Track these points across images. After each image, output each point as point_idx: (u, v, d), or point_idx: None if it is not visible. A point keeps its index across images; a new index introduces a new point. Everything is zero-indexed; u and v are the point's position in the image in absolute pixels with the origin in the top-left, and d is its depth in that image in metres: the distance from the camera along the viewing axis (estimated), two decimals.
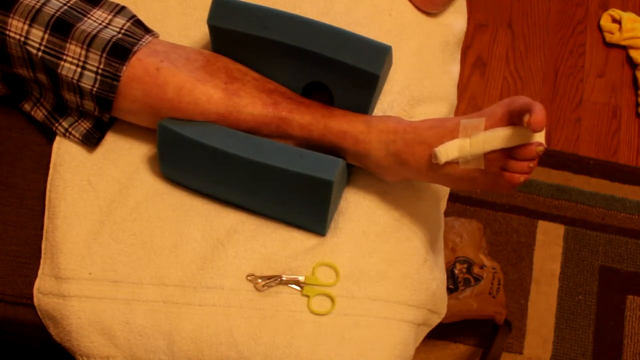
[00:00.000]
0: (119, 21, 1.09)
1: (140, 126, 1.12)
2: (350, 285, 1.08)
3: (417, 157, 1.02)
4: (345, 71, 1.05)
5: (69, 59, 1.04)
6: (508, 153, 0.95)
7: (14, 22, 1.04)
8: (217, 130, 1.05)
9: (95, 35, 1.04)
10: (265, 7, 1.07)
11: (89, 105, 1.08)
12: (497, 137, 0.95)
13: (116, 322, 1.07)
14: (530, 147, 0.93)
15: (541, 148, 0.93)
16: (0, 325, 1.16)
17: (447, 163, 1.00)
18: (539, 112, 0.89)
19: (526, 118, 0.91)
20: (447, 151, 0.98)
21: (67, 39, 1.04)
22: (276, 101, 1.06)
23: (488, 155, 0.97)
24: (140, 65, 1.04)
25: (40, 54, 1.04)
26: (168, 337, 1.06)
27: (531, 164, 0.95)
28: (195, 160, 1.06)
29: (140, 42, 1.06)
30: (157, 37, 1.10)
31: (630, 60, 2.08)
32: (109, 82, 1.04)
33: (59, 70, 1.04)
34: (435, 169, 1.01)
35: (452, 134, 0.99)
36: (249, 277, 1.08)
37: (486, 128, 0.96)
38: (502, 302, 1.64)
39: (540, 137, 0.93)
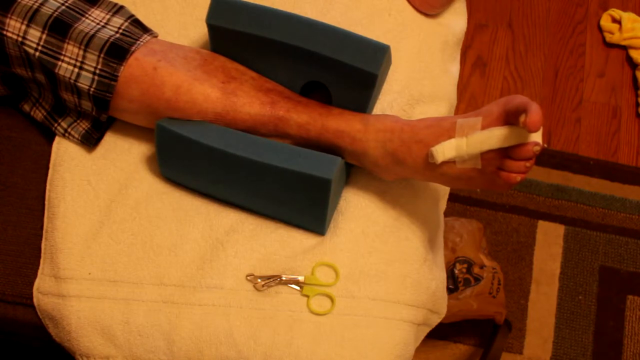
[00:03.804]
0: (117, 21, 1.09)
1: (140, 126, 1.13)
2: (349, 285, 1.08)
3: (413, 156, 1.02)
4: (343, 70, 1.05)
5: (66, 59, 1.04)
6: (505, 152, 0.95)
7: (12, 22, 1.04)
8: (215, 129, 1.05)
9: (93, 36, 1.04)
10: (264, 6, 1.07)
11: (86, 105, 1.08)
12: (494, 137, 0.95)
13: (116, 322, 1.07)
14: (527, 147, 0.93)
15: (538, 148, 0.93)
16: (0, 325, 1.16)
17: (444, 162, 0.99)
18: (535, 112, 0.89)
19: (522, 118, 0.90)
20: (444, 151, 0.98)
21: (65, 39, 1.04)
22: (274, 100, 1.07)
23: (485, 155, 0.97)
24: (138, 64, 1.04)
25: (37, 54, 1.04)
26: (168, 337, 1.06)
27: (528, 164, 0.95)
28: (193, 160, 1.06)
29: (138, 42, 1.06)
30: (155, 36, 1.10)
31: (630, 60, 2.08)
32: (107, 82, 1.04)
33: (56, 71, 1.05)
34: (432, 168, 1.01)
35: (449, 133, 0.99)
36: (248, 277, 1.08)
37: (483, 127, 0.96)
38: (502, 302, 1.63)
39: (537, 137, 0.93)
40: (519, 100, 0.93)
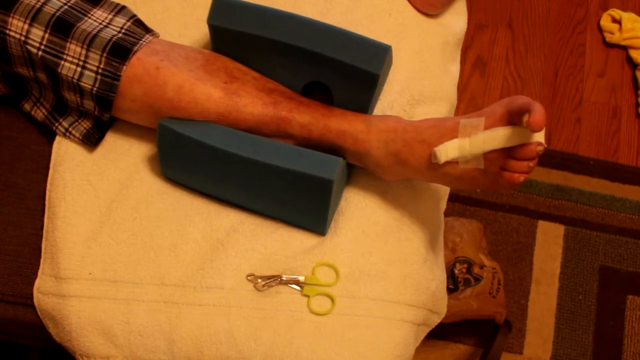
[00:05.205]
0: (120, 21, 1.09)
1: (141, 126, 1.13)
2: (350, 285, 1.08)
3: (416, 157, 1.02)
4: (345, 71, 1.05)
5: (69, 58, 1.04)
6: (508, 153, 0.95)
7: (14, 22, 1.04)
8: (217, 129, 1.05)
9: (95, 35, 1.04)
10: (265, 6, 1.07)
11: (89, 104, 1.08)
12: (497, 137, 0.95)
13: (116, 322, 1.07)
14: (530, 147, 0.93)
15: (541, 148, 0.93)
16: (0, 325, 1.16)
17: (447, 162, 1.00)
18: (538, 112, 0.89)
19: (525, 118, 0.91)
20: (447, 151, 0.98)
21: (68, 38, 1.04)
22: (276, 100, 1.06)
23: (488, 155, 0.97)
24: (140, 64, 1.04)
25: (40, 53, 1.04)
26: (168, 337, 1.06)
27: (531, 164, 0.95)
28: (195, 160, 1.06)
29: (141, 42, 1.06)
30: (157, 36, 1.10)
31: (630, 60, 2.08)
32: (109, 82, 1.04)
33: (59, 70, 1.04)
34: (434, 169, 1.01)
35: (452, 134, 0.99)
36: (249, 277, 1.08)
37: (486, 128, 0.96)
38: (502, 302, 1.63)
39: (540, 137, 0.93)
40: (522, 101, 0.93)
